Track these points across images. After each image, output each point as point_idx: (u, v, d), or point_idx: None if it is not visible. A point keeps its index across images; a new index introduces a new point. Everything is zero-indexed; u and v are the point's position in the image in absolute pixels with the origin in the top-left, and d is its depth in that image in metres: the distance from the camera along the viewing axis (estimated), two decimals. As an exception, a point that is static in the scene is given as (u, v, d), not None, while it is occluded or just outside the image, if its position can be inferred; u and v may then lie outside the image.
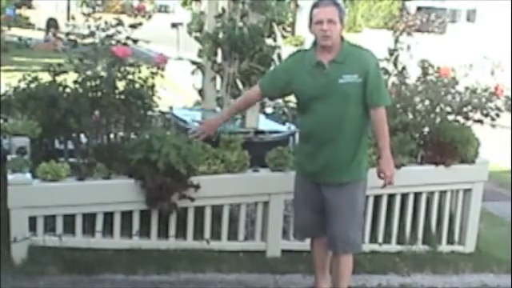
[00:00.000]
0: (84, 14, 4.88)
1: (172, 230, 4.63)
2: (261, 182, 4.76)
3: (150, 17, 5.04)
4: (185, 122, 5.53)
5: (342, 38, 3.82)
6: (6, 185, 4.15)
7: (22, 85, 4.82)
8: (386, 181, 3.92)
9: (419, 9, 37.07)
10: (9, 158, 4.36)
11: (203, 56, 5.76)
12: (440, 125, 5.32)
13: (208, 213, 4.67)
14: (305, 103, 3.91)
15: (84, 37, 4.88)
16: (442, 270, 5.03)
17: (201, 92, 6.00)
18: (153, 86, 4.78)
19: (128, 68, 4.70)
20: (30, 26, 26.31)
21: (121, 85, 4.69)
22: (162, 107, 5.12)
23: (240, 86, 5.55)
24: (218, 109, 5.89)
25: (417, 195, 5.24)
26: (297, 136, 5.30)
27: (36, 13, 31.26)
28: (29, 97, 4.72)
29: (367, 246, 5.09)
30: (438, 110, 5.37)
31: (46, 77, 4.82)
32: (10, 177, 4.18)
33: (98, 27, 4.76)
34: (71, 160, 4.71)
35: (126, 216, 4.51)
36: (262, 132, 5.39)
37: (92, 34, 4.77)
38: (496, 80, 5.47)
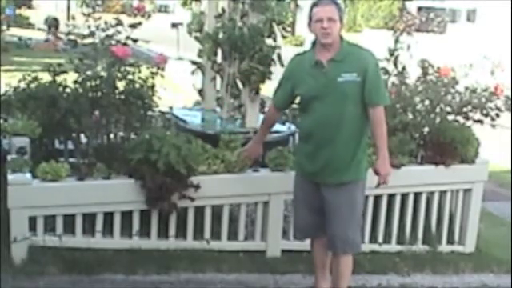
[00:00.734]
0: (84, 14, 4.88)
1: (172, 230, 4.62)
2: (261, 182, 4.76)
3: (149, 16, 5.04)
4: (185, 121, 5.54)
5: (341, 38, 3.84)
6: (6, 185, 4.15)
7: (22, 85, 4.83)
8: (380, 180, 3.93)
9: (420, 9, 37.08)
10: (9, 157, 4.36)
11: (203, 56, 5.77)
12: (440, 125, 5.32)
13: (208, 213, 4.67)
14: (305, 103, 3.92)
15: (84, 37, 4.88)
16: (442, 270, 5.03)
17: (201, 92, 6.01)
18: (153, 86, 4.78)
19: (128, 68, 4.70)
20: (30, 26, 26.29)
21: (121, 85, 4.69)
22: (162, 107, 5.12)
23: (240, 86, 5.56)
24: (218, 109, 5.90)
25: (417, 195, 5.24)
26: (297, 136, 5.31)
27: (36, 13, 31.27)
28: (29, 97, 4.72)
29: (367, 246, 5.09)
30: (438, 109, 5.37)
31: (46, 77, 4.83)
32: (10, 177, 4.18)
33: (97, 27, 4.76)
34: (71, 160, 4.71)
35: (126, 216, 4.51)
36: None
37: (92, 34, 4.78)
38: (496, 80, 5.47)
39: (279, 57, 5.43)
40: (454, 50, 20.88)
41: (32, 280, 4.10)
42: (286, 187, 4.41)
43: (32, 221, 4.26)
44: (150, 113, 4.89)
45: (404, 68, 5.56)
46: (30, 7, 35.17)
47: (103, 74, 4.63)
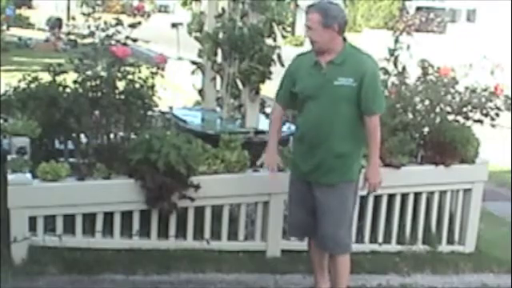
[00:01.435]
0: (84, 14, 4.89)
1: (172, 230, 4.62)
2: (261, 182, 4.75)
3: (148, 16, 5.05)
4: (185, 121, 5.54)
5: (344, 40, 3.83)
6: (6, 185, 4.15)
7: (22, 85, 4.83)
8: (370, 188, 3.94)
9: (419, 9, 37.07)
10: (9, 157, 4.36)
11: (203, 56, 5.77)
12: (440, 125, 5.32)
13: (208, 213, 4.67)
14: (301, 102, 3.95)
15: (84, 37, 4.88)
16: (442, 270, 5.03)
17: (201, 92, 6.01)
18: (153, 86, 4.78)
19: (128, 68, 4.70)
20: (29, 26, 26.28)
21: (121, 85, 4.69)
22: (162, 107, 5.12)
23: (240, 86, 5.55)
24: (218, 109, 5.90)
25: (417, 195, 5.24)
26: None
27: (36, 13, 31.26)
28: (29, 97, 4.73)
29: (367, 246, 5.09)
30: (438, 109, 5.37)
31: (46, 77, 4.83)
32: (10, 177, 4.18)
33: (97, 27, 4.77)
34: (71, 160, 4.71)
35: (126, 216, 4.51)
36: (262, 132, 5.39)
37: (92, 34, 4.78)
38: (496, 80, 5.47)
39: (279, 57, 5.43)
40: (454, 49, 20.87)
41: (32, 280, 4.10)
42: (285, 187, 4.40)
43: (32, 221, 4.26)
44: (150, 113, 4.89)
45: (404, 68, 5.56)
46: (30, 7, 35.18)
47: (103, 73, 4.63)
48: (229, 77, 5.59)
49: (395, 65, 5.57)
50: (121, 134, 4.82)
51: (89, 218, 4.45)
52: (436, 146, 5.23)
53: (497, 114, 5.32)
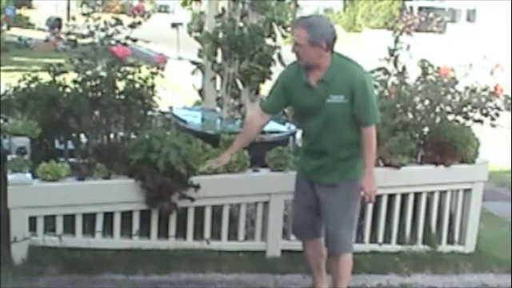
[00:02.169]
0: (84, 14, 4.89)
1: (172, 230, 4.62)
2: (261, 182, 4.76)
3: (149, 16, 5.04)
4: (185, 121, 5.54)
5: (332, 54, 3.73)
6: (6, 185, 4.15)
7: (22, 85, 4.83)
8: (366, 198, 3.91)
9: (420, 9, 37.10)
10: (9, 157, 4.36)
11: (203, 56, 5.77)
12: (440, 125, 5.32)
13: (208, 213, 4.68)
14: (299, 116, 4.02)
15: (84, 36, 4.88)
16: (442, 270, 5.03)
17: (201, 92, 6.01)
18: (153, 86, 4.78)
19: (128, 68, 4.70)
20: (29, 26, 26.29)
21: (121, 85, 4.69)
22: (162, 107, 5.12)
23: (240, 86, 5.56)
24: (218, 109, 5.90)
25: (417, 195, 5.24)
26: (297, 136, 5.32)
27: (36, 13, 31.27)
28: (29, 97, 4.73)
29: (367, 246, 5.09)
30: (437, 109, 5.37)
31: (46, 77, 4.83)
32: (10, 177, 4.18)
33: (97, 27, 4.76)
34: (71, 160, 4.71)
35: (126, 216, 4.51)
36: (262, 132, 5.38)
37: (91, 34, 4.78)
38: (496, 80, 5.47)
39: (279, 57, 5.43)
40: (454, 49, 20.88)
41: (32, 280, 4.10)
42: (285, 187, 4.41)
43: (32, 221, 4.26)
44: (150, 113, 4.89)
45: (404, 68, 5.56)
46: (30, 7, 35.17)
47: (103, 74, 4.63)
48: (229, 77, 5.59)
49: (395, 65, 5.57)
50: (121, 134, 4.82)
51: (89, 218, 4.45)
52: (436, 145, 5.23)
53: (497, 114, 5.32)
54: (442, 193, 5.35)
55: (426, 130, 5.39)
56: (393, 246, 5.21)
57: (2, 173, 4.39)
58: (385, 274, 4.84)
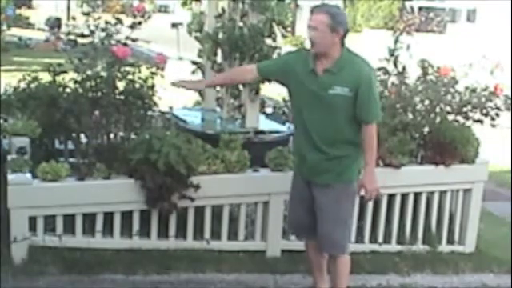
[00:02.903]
0: (84, 14, 4.89)
1: (172, 230, 4.63)
2: (261, 182, 4.76)
3: (149, 17, 5.04)
4: (185, 121, 5.54)
5: (342, 45, 3.75)
6: (6, 185, 4.15)
7: (22, 85, 4.83)
8: (366, 196, 3.91)
9: (420, 9, 37.11)
10: (9, 157, 4.36)
11: (203, 56, 5.76)
12: (440, 125, 5.32)
13: (208, 213, 4.68)
14: (296, 106, 3.94)
15: (84, 36, 4.88)
16: (442, 270, 5.03)
17: (201, 92, 6.01)
18: (153, 86, 4.78)
19: (128, 68, 4.70)
20: (29, 26, 26.29)
21: (121, 85, 4.69)
22: (162, 107, 5.12)
23: (240, 86, 5.55)
24: (218, 109, 5.90)
25: (417, 195, 5.24)
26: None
27: (36, 13, 31.27)
28: (29, 97, 4.73)
29: (367, 246, 5.09)
30: (438, 109, 5.37)
31: (46, 77, 4.83)
32: (10, 177, 4.18)
33: (97, 26, 4.76)
34: (71, 160, 4.71)
35: (126, 216, 4.51)
36: (262, 132, 5.40)
37: (91, 34, 4.78)
38: (496, 80, 5.47)
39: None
40: (454, 49, 20.88)
41: (32, 280, 4.10)
42: (286, 187, 4.40)
43: (32, 221, 4.26)
44: (150, 113, 4.89)
45: (404, 68, 5.56)
46: (30, 7, 35.19)
47: (103, 73, 4.63)
48: (229, 77, 5.58)
49: (395, 65, 5.56)
50: (121, 134, 4.82)
51: (89, 218, 4.45)
52: (436, 146, 5.23)
53: (497, 114, 5.32)
54: (442, 193, 5.35)
55: (426, 129, 5.39)
56: (393, 246, 5.21)
57: (2, 173, 4.39)
58: (385, 274, 4.84)
